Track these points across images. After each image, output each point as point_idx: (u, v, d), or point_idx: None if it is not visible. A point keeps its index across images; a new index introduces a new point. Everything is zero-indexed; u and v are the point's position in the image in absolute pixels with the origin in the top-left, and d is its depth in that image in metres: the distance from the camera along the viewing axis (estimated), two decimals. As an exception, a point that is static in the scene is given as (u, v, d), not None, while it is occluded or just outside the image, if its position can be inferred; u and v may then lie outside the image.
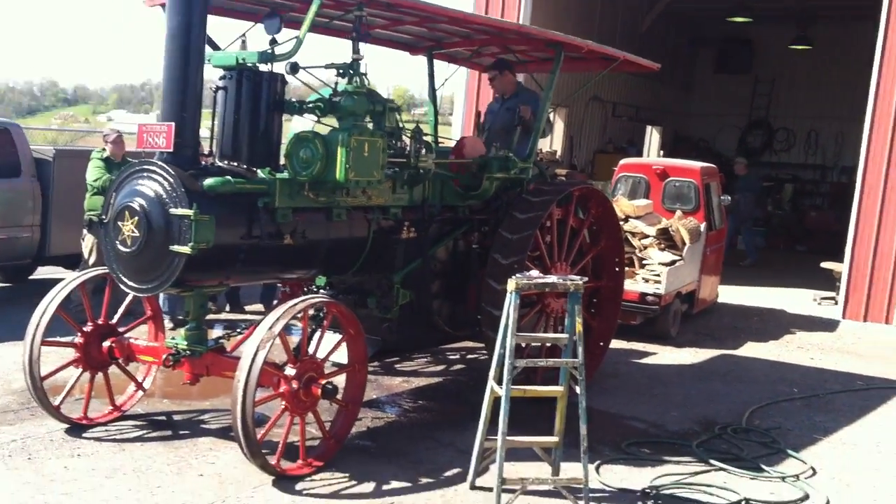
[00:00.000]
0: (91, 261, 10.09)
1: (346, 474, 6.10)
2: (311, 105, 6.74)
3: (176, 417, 7.20)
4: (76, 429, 6.69)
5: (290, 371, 5.97)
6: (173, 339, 6.60)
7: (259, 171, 6.43)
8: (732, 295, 13.74)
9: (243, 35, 6.99)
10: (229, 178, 6.12)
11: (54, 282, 7.14)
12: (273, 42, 6.64)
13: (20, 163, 10.93)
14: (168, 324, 9.35)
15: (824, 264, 14.31)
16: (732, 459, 6.77)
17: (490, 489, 5.75)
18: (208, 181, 6.01)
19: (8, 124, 11.31)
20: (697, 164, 12.60)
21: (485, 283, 7.63)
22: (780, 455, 7.02)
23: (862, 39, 23.64)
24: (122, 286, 6.28)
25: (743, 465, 6.68)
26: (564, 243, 8.27)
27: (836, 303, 13.63)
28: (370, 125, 6.68)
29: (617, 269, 8.95)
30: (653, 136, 24.93)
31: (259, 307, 10.94)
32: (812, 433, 7.61)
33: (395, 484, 6.01)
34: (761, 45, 25.51)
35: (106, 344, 6.84)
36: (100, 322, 6.90)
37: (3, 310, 10.57)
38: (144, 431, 6.81)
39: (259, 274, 7.00)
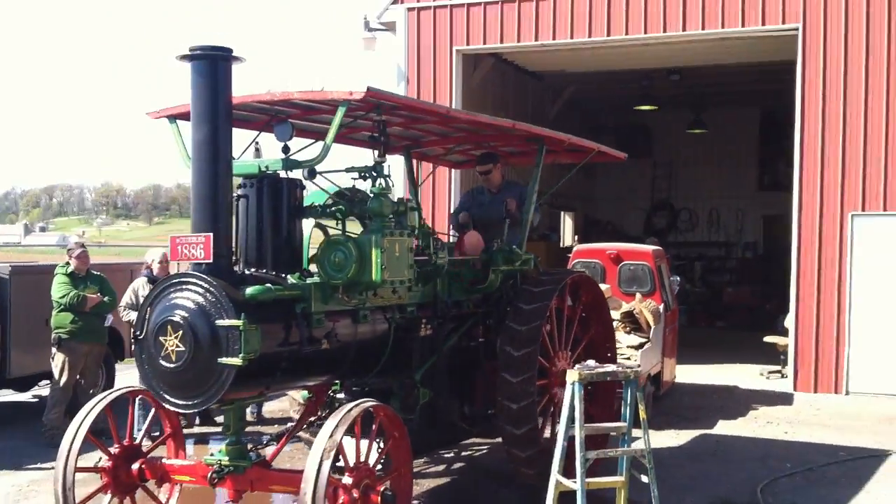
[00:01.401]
0: (62, 380, 9.71)
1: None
2: (332, 209, 6.74)
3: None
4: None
5: (346, 480, 5.81)
6: (212, 455, 6.37)
7: (289, 276, 6.36)
8: (681, 374, 14.00)
9: (255, 141, 7.00)
10: (269, 285, 6.04)
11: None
12: (286, 149, 6.69)
13: (-26, 282, 10.33)
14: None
15: (767, 339, 14.80)
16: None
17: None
18: (250, 290, 5.92)
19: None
20: (649, 248, 12.99)
21: (500, 377, 7.62)
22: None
23: (750, 123, 25.38)
24: (164, 404, 6.06)
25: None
26: (563, 332, 8.36)
27: (783, 376, 14.10)
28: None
29: (609, 354, 9.05)
30: (566, 222, 25.53)
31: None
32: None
33: None
34: (659, 130, 26.61)
35: (135, 466, 6.54)
36: (125, 443, 6.60)
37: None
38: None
39: (294, 381, 6.81)
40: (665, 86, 20.63)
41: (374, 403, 6.18)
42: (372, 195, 6.60)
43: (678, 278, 13.86)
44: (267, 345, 5.87)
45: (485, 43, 15.12)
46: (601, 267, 12.64)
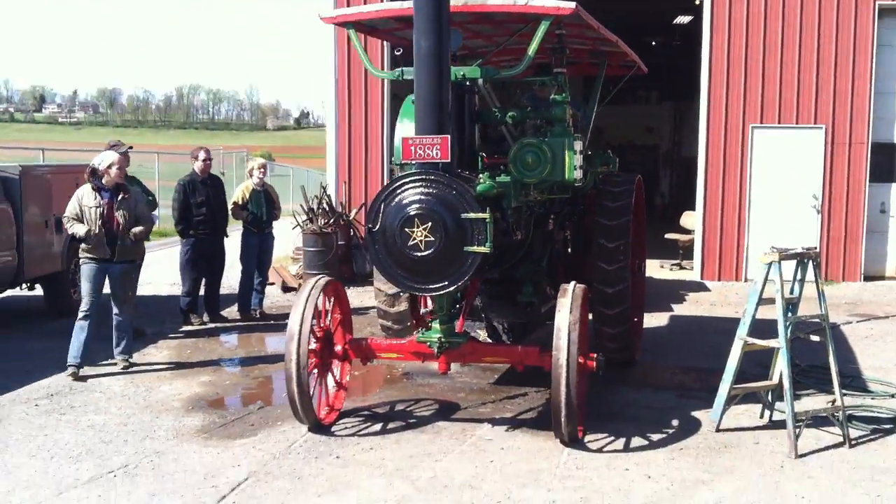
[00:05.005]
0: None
1: (609, 436, 7.01)
2: (507, 116, 7.48)
3: (400, 406, 7.71)
4: (321, 430, 7.06)
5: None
6: (422, 333, 7.08)
7: (480, 175, 7.03)
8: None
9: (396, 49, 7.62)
10: (491, 182, 6.76)
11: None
12: (454, 56, 7.32)
13: (-10, 182, 10.03)
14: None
15: (669, 235, 16.63)
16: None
17: (732, 429, 7.09)
18: (480, 186, 6.64)
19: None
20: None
21: (595, 265, 8.66)
22: (859, 379, 8.85)
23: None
24: (404, 289, 6.71)
25: (854, 387, 8.44)
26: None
27: (682, 268, 16.05)
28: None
29: (640, 248, 10.26)
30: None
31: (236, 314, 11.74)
32: (848, 364, 9.39)
33: (637, 442, 6.91)
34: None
35: (338, 347, 7.14)
36: (324, 327, 7.18)
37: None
38: (382, 424, 7.25)
39: (492, 269, 7.52)
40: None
41: (582, 285, 7.09)
42: (554, 103, 7.38)
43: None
44: (489, 236, 6.63)
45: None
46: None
